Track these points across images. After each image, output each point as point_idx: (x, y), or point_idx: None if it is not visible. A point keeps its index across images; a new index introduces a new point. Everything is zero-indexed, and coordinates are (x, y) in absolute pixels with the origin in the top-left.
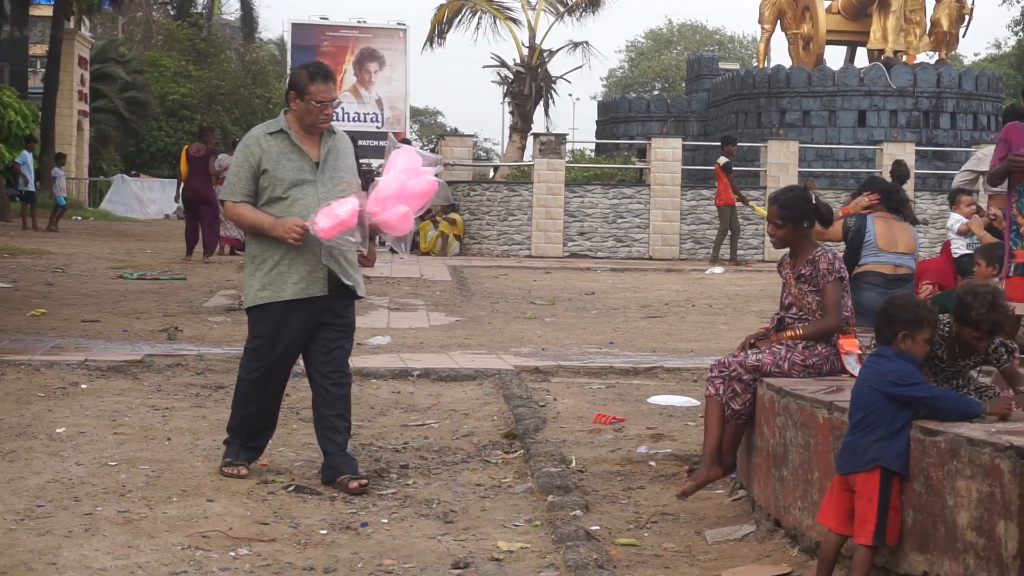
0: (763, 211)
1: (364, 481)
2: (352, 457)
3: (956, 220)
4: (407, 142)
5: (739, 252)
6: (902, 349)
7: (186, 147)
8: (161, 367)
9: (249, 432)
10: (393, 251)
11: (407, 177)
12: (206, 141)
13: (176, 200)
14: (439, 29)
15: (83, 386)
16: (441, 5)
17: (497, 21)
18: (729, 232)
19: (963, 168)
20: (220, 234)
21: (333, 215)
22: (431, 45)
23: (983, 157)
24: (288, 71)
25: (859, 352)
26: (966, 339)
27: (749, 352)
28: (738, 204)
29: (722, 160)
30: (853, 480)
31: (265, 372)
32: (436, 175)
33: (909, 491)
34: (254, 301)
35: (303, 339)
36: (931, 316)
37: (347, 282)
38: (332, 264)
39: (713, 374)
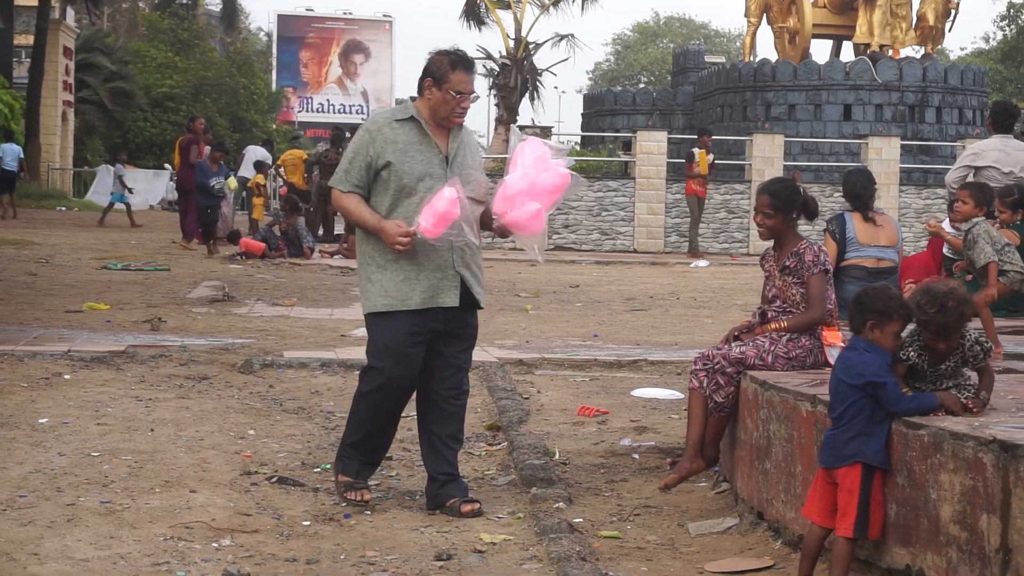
0: (705, 164)
1: (477, 504)
2: (462, 480)
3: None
4: None
5: (723, 246)
6: (870, 340)
7: (180, 138)
8: (144, 358)
9: (369, 448)
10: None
11: (536, 171)
12: (193, 129)
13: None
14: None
15: (66, 376)
16: None
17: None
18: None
19: (957, 165)
20: (241, 237)
21: (432, 210)
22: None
23: (979, 152)
24: (274, 62)
25: (843, 345)
26: (926, 341)
27: (733, 345)
28: (700, 189)
29: (695, 151)
30: (835, 474)
31: (388, 387)
32: (567, 166)
33: (892, 485)
34: (376, 308)
35: (425, 350)
36: (903, 310)
37: (476, 292)
38: (464, 271)
39: (697, 367)
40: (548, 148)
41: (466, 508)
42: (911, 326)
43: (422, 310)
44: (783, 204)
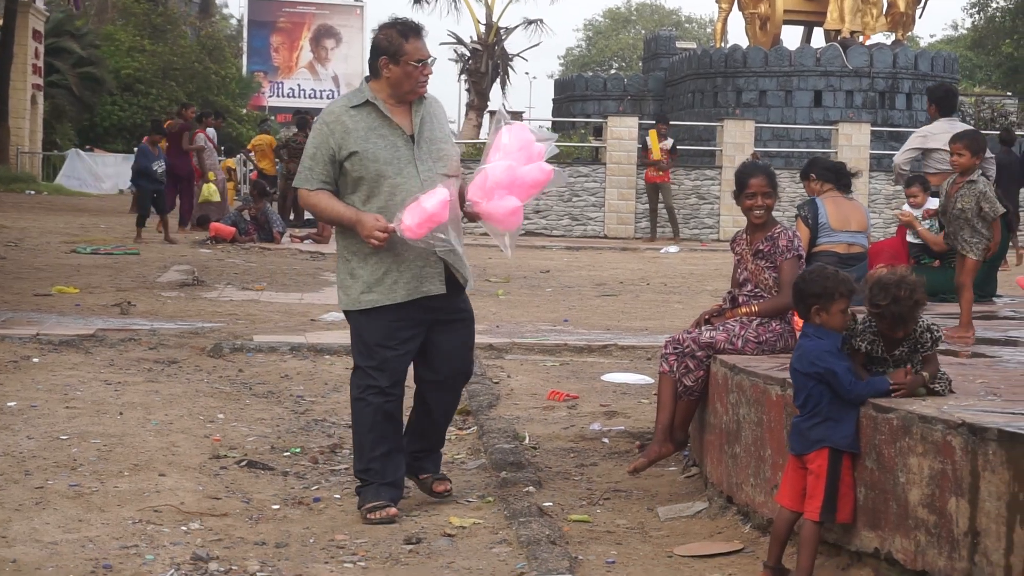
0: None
1: (448, 485)
2: (439, 453)
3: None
4: None
5: (695, 231)
6: (818, 324)
7: (168, 122)
8: (114, 341)
9: (382, 466)
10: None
11: (518, 162)
12: (184, 116)
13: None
14: None
15: (35, 360)
16: None
17: None
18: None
19: (905, 148)
20: (211, 221)
21: (420, 210)
22: None
23: (928, 134)
24: (245, 47)
25: None
26: (881, 329)
27: (703, 329)
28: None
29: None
30: (805, 459)
31: (382, 386)
32: (552, 154)
33: (861, 468)
34: (358, 305)
35: (418, 344)
36: (843, 286)
37: (460, 276)
38: (449, 256)
39: (667, 351)
40: (533, 135)
41: (438, 487)
42: (861, 315)
43: (408, 302)
44: (775, 183)
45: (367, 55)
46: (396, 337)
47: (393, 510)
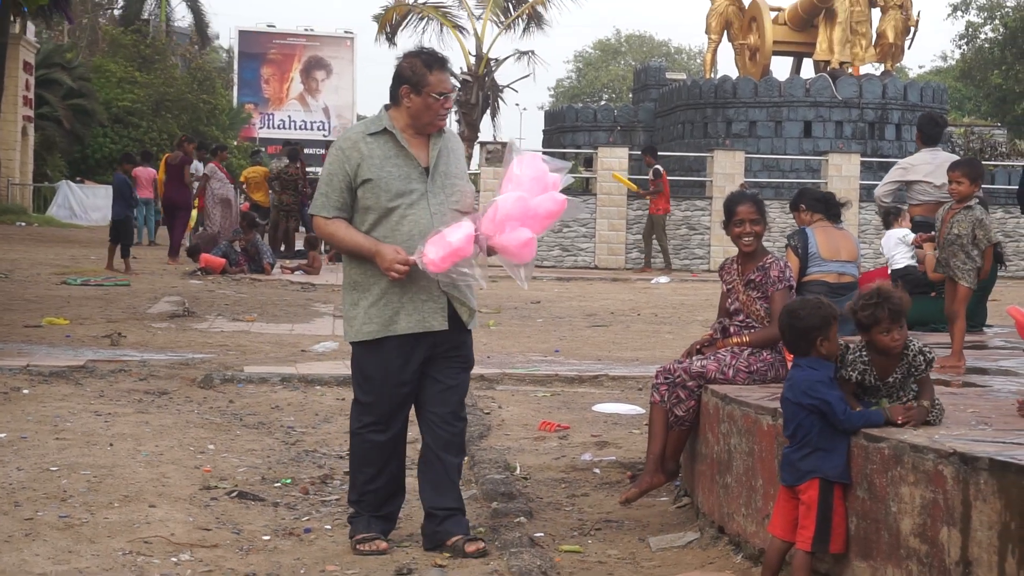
0: (626, 181)
1: (481, 544)
2: (463, 517)
3: (904, 233)
4: None
5: (685, 262)
6: (822, 354)
7: (165, 155)
8: (104, 372)
9: (376, 499)
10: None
11: (531, 193)
12: (185, 150)
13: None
14: (387, 31)
15: (25, 391)
16: (387, 8)
17: (444, 29)
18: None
19: (887, 180)
20: (201, 252)
21: (444, 244)
22: (387, 38)
23: (909, 166)
24: (235, 78)
25: None
26: (879, 345)
27: (694, 358)
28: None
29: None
30: (796, 490)
31: (380, 420)
32: (567, 184)
33: (852, 498)
34: (359, 336)
35: (417, 378)
36: (831, 308)
37: (462, 313)
38: (452, 291)
39: (658, 380)
40: (546, 164)
41: (471, 548)
42: (851, 344)
43: (408, 335)
44: (764, 211)
45: (357, 86)
46: (395, 370)
47: (383, 544)
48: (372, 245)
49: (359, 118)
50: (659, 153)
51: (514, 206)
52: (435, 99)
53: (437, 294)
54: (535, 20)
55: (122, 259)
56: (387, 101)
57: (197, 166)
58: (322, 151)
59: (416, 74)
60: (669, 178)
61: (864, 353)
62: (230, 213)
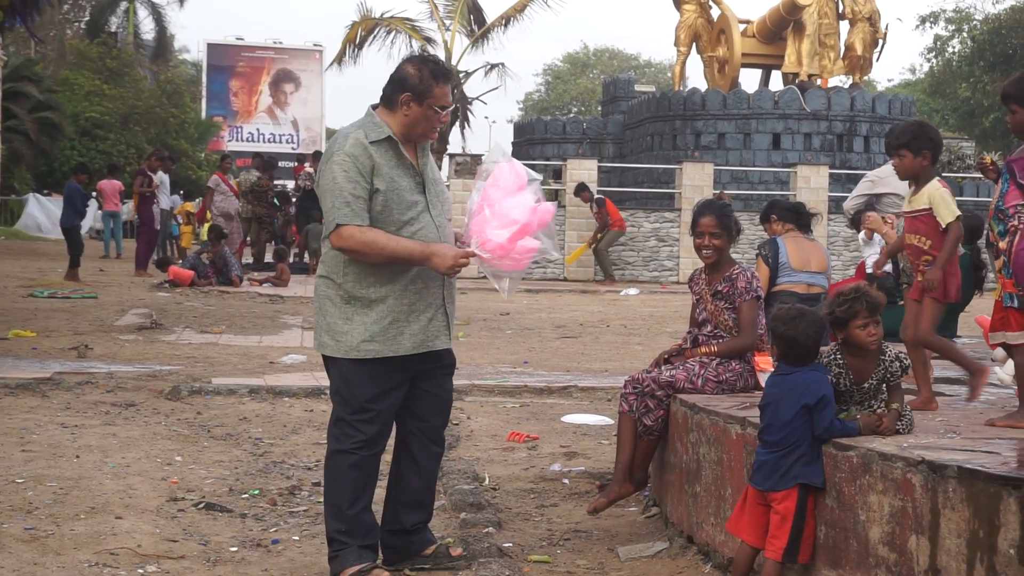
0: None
1: (461, 549)
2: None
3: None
4: None
5: (655, 274)
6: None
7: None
8: (71, 384)
9: (364, 526)
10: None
11: (521, 201)
12: (149, 163)
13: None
14: (351, 48)
15: None
16: (354, 23)
17: (412, 41)
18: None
19: (856, 193)
20: (170, 265)
21: (508, 221)
22: (339, 64)
23: (876, 179)
24: (204, 91)
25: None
26: (855, 340)
27: (663, 368)
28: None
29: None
30: (770, 497)
31: (372, 440)
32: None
33: (821, 506)
34: (356, 353)
35: (403, 394)
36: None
37: (450, 331)
38: (450, 306)
39: (627, 390)
40: (525, 177)
41: (455, 552)
42: (825, 349)
43: (409, 355)
44: (730, 223)
45: (326, 99)
46: (389, 388)
47: (385, 573)
48: (423, 247)
49: (328, 131)
50: (628, 165)
51: (520, 213)
52: (436, 112)
53: (440, 312)
54: (504, 23)
55: (71, 268)
56: (327, 117)
57: (163, 177)
58: (293, 164)
59: (423, 83)
60: (638, 189)
61: (839, 356)
62: (233, 226)
